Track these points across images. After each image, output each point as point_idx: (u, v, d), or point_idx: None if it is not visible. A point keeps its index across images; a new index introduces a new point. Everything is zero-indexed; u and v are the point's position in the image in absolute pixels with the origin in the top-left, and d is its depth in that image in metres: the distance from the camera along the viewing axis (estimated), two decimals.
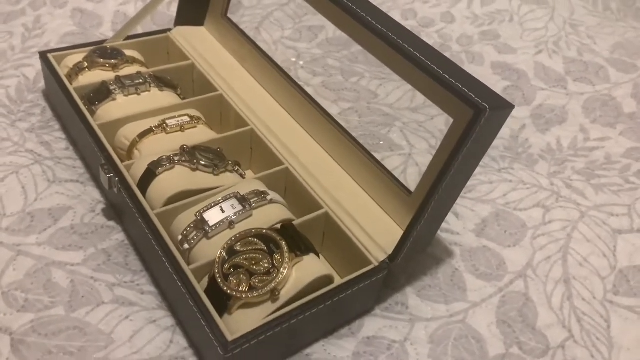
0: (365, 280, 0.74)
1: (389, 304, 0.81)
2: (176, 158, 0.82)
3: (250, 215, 0.78)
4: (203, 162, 0.83)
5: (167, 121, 0.90)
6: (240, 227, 0.76)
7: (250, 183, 0.83)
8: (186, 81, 1.05)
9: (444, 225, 0.91)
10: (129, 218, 0.82)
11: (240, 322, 0.68)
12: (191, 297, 0.68)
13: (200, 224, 0.76)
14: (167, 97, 0.97)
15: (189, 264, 0.74)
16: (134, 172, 0.82)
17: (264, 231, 0.73)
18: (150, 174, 0.81)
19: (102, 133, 0.87)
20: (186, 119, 0.92)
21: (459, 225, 0.91)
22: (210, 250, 0.74)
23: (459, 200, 0.94)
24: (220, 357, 0.65)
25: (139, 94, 0.95)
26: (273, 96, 0.99)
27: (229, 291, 0.68)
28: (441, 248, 0.88)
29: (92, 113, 0.92)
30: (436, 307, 0.81)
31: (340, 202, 0.83)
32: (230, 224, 0.76)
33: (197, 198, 0.80)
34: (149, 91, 0.96)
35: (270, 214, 0.78)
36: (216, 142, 0.89)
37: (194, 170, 0.83)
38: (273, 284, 0.68)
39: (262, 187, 0.82)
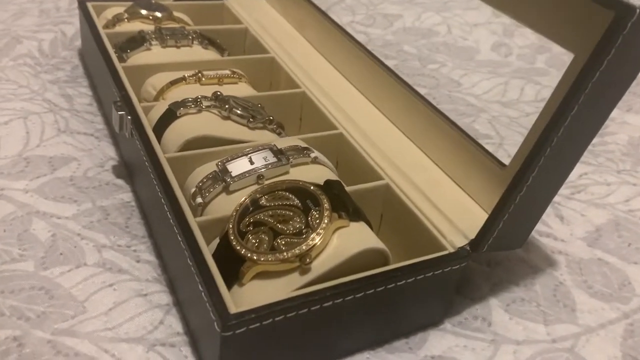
0: (436, 267, 0.52)
1: (464, 317, 0.59)
2: (205, 102, 0.66)
3: (286, 172, 0.59)
4: (238, 111, 0.66)
5: (204, 72, 0.75)
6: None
7: (291, 139, 0.65)
8: (237, 47, 0.91)
9: (544, 228, 0.68)
10: (140, 172, 0.66)
11: (254, 297, 0.48)
12: (192, 257, 0.49)
13: (220, 174, 0.58)
14: (209, 55, 0.83)
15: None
16: (153, 115, 0.67)
17: (301, 183, 0.54)
18: (170, 115, 0.65)
19: (125, 76, 0.72)
20: (227, 72, 0.76)
21: (565, 230, 0.68)
22: (230, 208, 0.55)
23: (564, 201, 0.72)
24: (215, 338, 0.45)
25: (178, 47, 0.81)
26: (333, 63, 0.82)
27: (242, 251, 0.49)
28: (540, 254, 0.65)
29: (123, 61, 0.78)
30: (531, 328, 0.57)
31: (406, 173, 0.63)
32: (259, 178, 0.57)
33: (223, 149, 0.62)
34: (190, 46, 0.82)
35: (312, 176, 0.59)
36: (259, 100, 0.72)
37: (224, 118, 0.66)
38: (304, 247, 0.48)
39: (305, 145, 0.63)
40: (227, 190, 0.57)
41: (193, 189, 0.58)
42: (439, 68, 0.99)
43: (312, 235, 0.49)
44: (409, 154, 0.66)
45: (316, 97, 0.75)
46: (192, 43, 0.82)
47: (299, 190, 0.54)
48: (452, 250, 0.54)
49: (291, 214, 0.52)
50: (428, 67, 0.99)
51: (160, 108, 0.66)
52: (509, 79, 0.95)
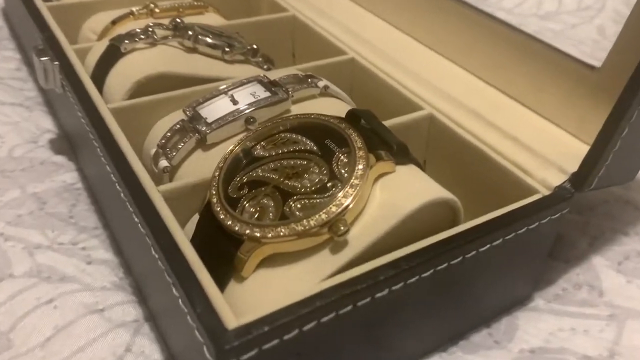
0: (531, 219, 0.35)
1: (561, 287, 0.42)
2: (159, 31, 0.47)
3: (287, 112, 0.41)
4: (208, 39, 0.47)
5: (157, 2, 0.56)
6: None
7: (285, 70, 0.47)
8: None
9: None
10: (84, 142, 0.47)
11: (263, 296, 0.30)
12: (158, 247, 0.31)
13: (191, 123, 0.39)
14: None
15: None
16: (91, 59, 0.48)
17: (313, 116, 0.36)
18: (112, 54, 0.46)
19: (53, 19, 0.53)
20: (189, 0, 0.57)
21: None
22: (210, 169, 0.37)
23: None
24: None
25: None
26: None
27: (236, 227, 0.31)
28: None
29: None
30: None
31: (455, 98, 0.45)
32: (248, 122, 0.39)
33: (192, 91, 0.44)
34: None
35: (324, 111, 0.41)
36: (235, 29, 0.53)
37: (189, 51, 0.47)
38: (333, 209, 0.30)
39: (305, 73, 0.45)
40: (202, 144, 0.39)
41: (154, 150, 0.40)
42: None
43: (343, 190, 0.31)
44: (449, 74, 0.48)
45: (311, 19, 0.56)
46: None
47: (313, 127, 0.35)
48: (546, 192, 0.37)
49: (305, 162, 0.33)
50: None
51: (99, 47, 0.47)
52: None
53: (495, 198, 0.39)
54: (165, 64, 0.44)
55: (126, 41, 0.45)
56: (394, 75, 0.47)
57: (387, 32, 0.54)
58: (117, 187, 0.36)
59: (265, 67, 0.52)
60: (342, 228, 0.30)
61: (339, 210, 0.30)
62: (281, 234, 0.30)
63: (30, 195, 0.47)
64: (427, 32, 0.52)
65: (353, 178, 0.31)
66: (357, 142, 0.33)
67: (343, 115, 0.39)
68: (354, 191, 0.31)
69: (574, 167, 0.37)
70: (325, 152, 0.34)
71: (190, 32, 0.46)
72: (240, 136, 0.38)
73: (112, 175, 0.37)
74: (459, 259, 0.32)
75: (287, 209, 0.31)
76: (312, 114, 0.36)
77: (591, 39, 0.69)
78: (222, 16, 0.59)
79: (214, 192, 0.33)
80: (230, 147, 0.35)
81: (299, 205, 0.31)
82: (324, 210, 0.30)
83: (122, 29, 0.54)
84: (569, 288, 0.42)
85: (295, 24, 0.57)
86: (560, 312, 0.40)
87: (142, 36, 0.46)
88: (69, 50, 0.47)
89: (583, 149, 0.40)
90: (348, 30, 0.55)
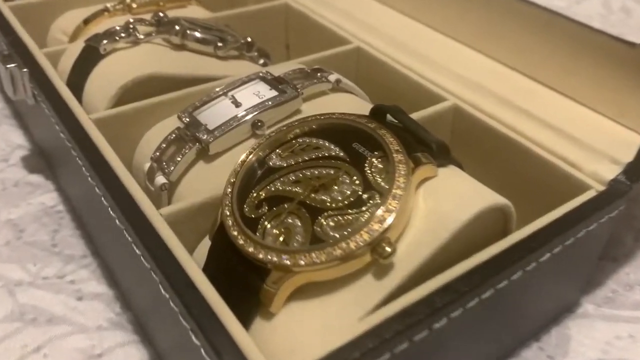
0: (590, 220, 0.30)
1: (610, 289, 0.38)
2: (141, 28, 0.42)
3: (298, 111, 0.36)
4: (197, 34, 0.42)
5: None
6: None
7: (288, 64, 0.42)
8: None
9: None
10: (63, 157, 0.41)
11: (297, 337, 0.25)
12: (166, 282, 0.26)
13: (189, 131, 0.34)
14: None
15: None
16: (65, 64, 0.42)
17: (335, 116, 0.31)
18: (90, 56, 0.40)
19: (17, 20, 0.47)
20: None
21: None
22: (216, 183, 0.32)
23: None
24: None
25: None
26: None
27: (260, 253, 0.26)
28: None
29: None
30: None
31: (480, 85, 0.41)
32: (256, 126, 0.34)
33: (185, 94, 0.39)
34: None
35: (339, 109, 0.36)
36: (223, 22, 0.48)
37: (177, 48, 0.42)
38: (375, 227, 0.25)
39: (312, 67, 0.40)
40: (204, 155, 0.34)
41: (147, 164, 0.35)
42: None
43: (385, 204, 0.26)
44: (468, 60, 0.44)
45: (306, 6, 0.51)
46: None
47: (336, 129, 0.31)
48: (600, 187, 0.32)
49: (332, 171, 0.29)
50: None
51: (74, 50, 0.42)
52: None
53: (540, 197, 0.34)
54: (153, 65, 0.39)
55: (105, 41, 0.40)
56: (409, 64, 0.43)
57: (392, 17, 0.50)
58: (111, 212, 0.31)
59: (261, 62, 0.46)
60: (387, 249, 0.25)
61: (383, 227, 0.25)
62: (316, 260, 0.25)
63: (5, 223, 0.41)
64: (434, 14, 0.48)
65: (394, 188, 0.26)
66: (393, 144, 0.28)
67: (362, 113, 0.35)
68: (397, 204, 0.26)
69: (625, 156, 0.33)
70: (354, 157, 0.29)
71: (177, 27, 0.41)
72: (249, 143, 0.33)
73: (103, 199, 0.32)
74: (519, 273, 0.28)
75: (318, 229, 0.26)
76: (334, 114, 0.31)
77: (598, 14, 0.65)
78: (205, 8, 0.54)
79: (228, 213, 0.28)
80: (242, 158, 0.30)
81: (331, 224, 0.26)
82: (364, 229, 0.25)
83: (97, 27, 0.48)
84: (619, 290, 0.38)
85: (289, 12, 0.52)
86: (613, 317, 0.36)
87: (123, 34, 0.40)
88: (39, 54, 0.42)
89: (629, 136, 0.36)
90: (349, 16, 0.50)
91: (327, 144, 0.30)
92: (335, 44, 0.47)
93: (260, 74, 0.37)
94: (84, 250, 0.39)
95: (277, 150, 0.31)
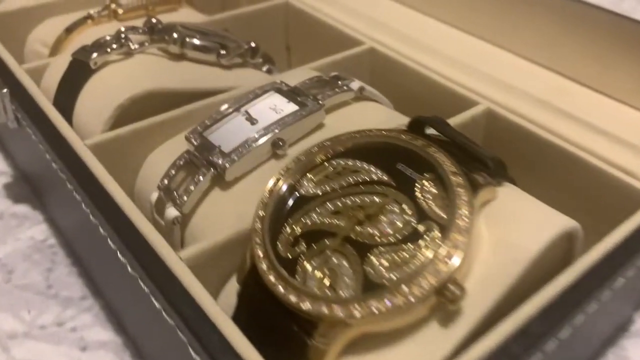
0: None
1: None
2: (134, 37, 0.37)
3: (321, 126, 0.32)
4: (196, 41, 0.38)
5: (121, 1, 0.46)
6: (296, 152, 0.30)
7: (301, 72, 0.38)
8: None
9: None
10: (51, 184, 0.37)
11: None
12: (198, 346, 0.22)
13: (200, 155, 0.30)
14: None
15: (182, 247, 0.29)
16: (50, 80, 0.37)
17: (373, 132, 0.27)
18: (79, 71, 0.36)
19: None
20: None
21: None
22: (234, 212, 0.28)
23: None
24: None
25: None
26: None
27: (304, 304, 0.22)
28: None
29: None
30: None
31: (512, 87, 0.37)
32: (276, 146, 0.30)
33: (188, 111, 0.34)
34: None
35: (366, 121, 0.32)
36: (218, 25, 0.44)
37: (176, 58, 0.37)
38: (442, 268, 0.22)
39: (330, 74, 0.36)
40: (220, 181, 0.30)
41: (155, 194, 0.31)
42: None
43: (450, 238, 0.22)
44: (496, 59, 0.40)
45: (308, 4, 0.47)
46: None
47: (375, 148, 0.27)
48: None
49: (377, 199, 0.25)
50: None
51: (59, 65, 0.37)
52: None
53: (594, 210, 0.31)
54: (151, 79, 0.35)
55: (95, 54, 0.35)
56: (431, 65, 0.39)
57: (402, 13, 0.46)
58: (121, 257, 0.27)
59: (265, 68, 0.42)
60: (456, 292, 0.21)
61: (451, 269, 0.22)
62: (375, 311, 0.21)
63: None
64: (449, 8, 0.44)
65: (457, 218, 0.23)
66: (447, 163, 0.25)
67: (392, 123, 0.31)
68: (463, 238, 0.22)
69: None
70: (400, 181, 0.25)
71: (175, 35, 0.37)
72: (269, 165, 0.30)
73: (100, 228, 0.28)
74: (594, 305, 0.25)
75: (370, 269, 0.23)
76: (370, 130, 0.27)
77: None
78: (198, 10, 0.50)
79: (261, 254, 0.24)
80: (269, 186, 0.26)
81: (385, 263, 0.23)
82: (428, 271, 0.22)
83: (80, 37, 0.44)
84: None
85: (289, 11, 0.48)
86: None
87: (114, 45, 0.36)
88: (19, 71, 0.37)
89: None
90: (355, 13, 0.46)
91: (366, 166, 0.26)
92: (342, 44, 0.43)
93: (275, 85, 0.33)
94: (83, 291, 0.35)
95: (309, 175, 0.27)
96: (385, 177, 0.26)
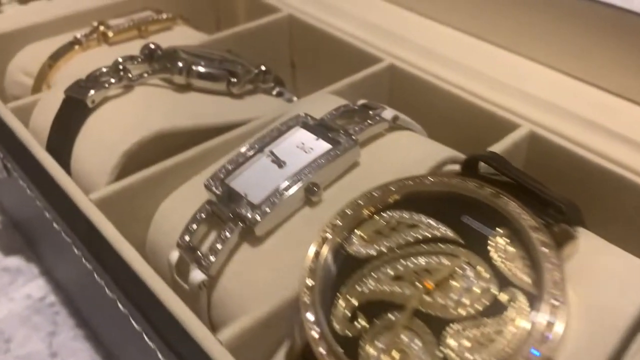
0: None
1: None
2: (133, 68, 0.33)
3: (356, 164, 0.29)
4: (201, 69, 0.34)
5: (109, 22, 0.41)
6: (332, 197, 0.26)
7: (322, 99, 0.34)
8: None
9: None
10: (47, 234, 0.33)
11: None
12: None
13: (224, 206, 0.26)
14: None
15: (211, 322, 0.25)
16: (40, 121, 0.33)
17: (428, 178, 0.24)
18: (74, 111, 0.32)
19: None
20: (148, 14, 0.43)
21: None
22: (268, 272, 0.25)
23: None
24: None
25: None
26: None
27: None
28: None
29: None
30: None
31: (553, 104, 0.34)
32: (310, 192, 0.27)
33: (201, 152, 0.31)
34: None
35: (406, 155, 0.29)
36: (218, 46, 0.40)
37: (181, 90, 0.34)
38: (542, 349, 0.19)
39: (360, 102, 0.33)
40: (249, 235, 0.26)
41: (175, 253, 0.27)
42: None
43: (540, 306, 0.19)
44: (531, 75, 0.37)
45: (315, 17, 0.44)
46: None
47: (432, 197, 0.23)
48: None
49: (445, 260, 0.22)
50: None
51: (50, 102, 0.33)
52: None
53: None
54: (160, 117, 0.31)
55: (92, 91, 0.31)
56: (460, 83, 0.36)
57: (420, 24, 0.43)
58: (145, 338, 0.23)
59: (275, 92, 0.39)
60: None
61: (552, 347, 0.18)
62: None
63: None
64: (470, 18, 0.41)
65: (547, 285, 0.20)
66: (524, 216, 0.21)
67: (432, 157, 0.28)
68: (557, 310, 0.19)
69: None
70: (469, 238, 0.22)
71: (180, 64, 0.33)
72: (302, 214, 0.26)
73: (117, 302, 0.24)
74: None
75: (449, 351, 0.19)
76: (425, 176, 0.24)
77: None
78: (192, 27, 0.45)
79: (317, 335, 0.21)
80: (313, 249, 0.23)
81: (466, 343, 0.20)
82: (523, 355, 0.18)
83: (68, 66, 0.39)
84: None
85: (293, 25, 0.44)
86: None
87: (113, 79, 0.32)
88: (5, 111, 0.33)
89: None
90: (366, 24, 0.42)
91: (425, 220, 0.23)
92: (352, 59, 0.40)
93: (300, 119, 0.30)
94: (93, 358, 0.31)
95: (357, 232, 0.23)
96: (450, 234, 0.22)
